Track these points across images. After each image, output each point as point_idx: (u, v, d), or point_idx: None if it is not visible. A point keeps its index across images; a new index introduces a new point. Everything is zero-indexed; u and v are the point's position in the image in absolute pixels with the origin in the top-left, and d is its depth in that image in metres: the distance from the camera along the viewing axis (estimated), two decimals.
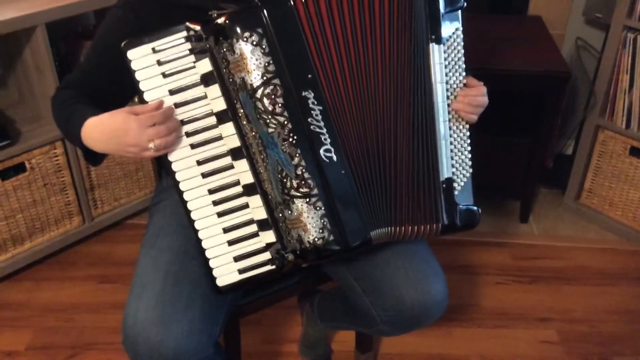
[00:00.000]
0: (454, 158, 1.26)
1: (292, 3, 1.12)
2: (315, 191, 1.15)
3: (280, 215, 1.18)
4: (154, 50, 1.14)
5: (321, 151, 1.15)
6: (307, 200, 1.15)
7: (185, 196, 1.19)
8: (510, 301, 2.11)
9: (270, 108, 1.12)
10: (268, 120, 1.12)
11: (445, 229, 1.26)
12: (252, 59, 1.10)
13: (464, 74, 1.25)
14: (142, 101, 1.16)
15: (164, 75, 1.15)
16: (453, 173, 1.26)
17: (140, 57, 1.14)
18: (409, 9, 1.18)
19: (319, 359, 1.86)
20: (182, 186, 1.19)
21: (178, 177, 1.18)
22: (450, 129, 1.25)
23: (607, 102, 2.28)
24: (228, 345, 1.49)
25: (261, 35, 1.10)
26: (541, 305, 2.10)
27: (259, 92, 1.11)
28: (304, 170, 1.14)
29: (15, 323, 2.01)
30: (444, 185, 1.25)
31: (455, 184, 1.26)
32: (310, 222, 1.16)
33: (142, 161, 2.36)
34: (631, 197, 2.33)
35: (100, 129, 1.18)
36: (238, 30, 1.09)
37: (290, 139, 1.13)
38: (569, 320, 2.05)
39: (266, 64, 1.11)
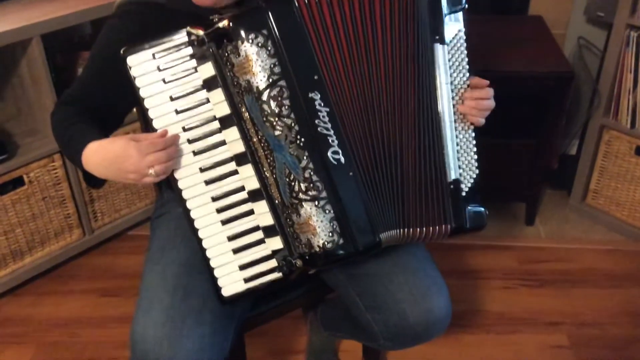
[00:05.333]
0: (461, 159, 1.25)
1: (296, 4, 1.10)
2: (324, 194, 1.13)
3: (288, 220, 1.16)
4: (155, 56, 1.12)
5: (329, 153, 1.14)
6: (316, 203, 1.13)
7: (188, 204, 1.17)
8: (518, 305, 2.09)
9: (276, 110, 1.10)
10: (275, 123, 1.11)
11: (454, 231, 1.24)
12: (257, 60, 1.08)
13: (467, 74, 1.24)
14: (143, 110, 1.14)
15: (165, 82, 1.13)
16: (460, 174, 1.24)
17: (140, 63, 1.12)
18: (412, 10, 1.16)
19: None
20: (184, 194, 1.17)
21: (180, 184, 1.16)
22: (455, 129, 1.24)
23: (612, 102, 2.25)
24: (233, 357, 1.46)
25: (266, 36, 1.08)
26: (550, 309, 2.07)
27: (265, 94, 1.10)
28: (312, 172, 1.13)
29: (17, 339, 1.99)
30: (452, 187, 1.23)
31: (462, 186, 1.24)
32: (320, 225, 1.14)
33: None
34: (637, 197, 2.30)
35: (101, 155, 1.16)
36: (243, 31, 1.08)
37: (298, 142, 1.11)
38: (579, 323, 2.02)
39: (272, 66, 1.09)
